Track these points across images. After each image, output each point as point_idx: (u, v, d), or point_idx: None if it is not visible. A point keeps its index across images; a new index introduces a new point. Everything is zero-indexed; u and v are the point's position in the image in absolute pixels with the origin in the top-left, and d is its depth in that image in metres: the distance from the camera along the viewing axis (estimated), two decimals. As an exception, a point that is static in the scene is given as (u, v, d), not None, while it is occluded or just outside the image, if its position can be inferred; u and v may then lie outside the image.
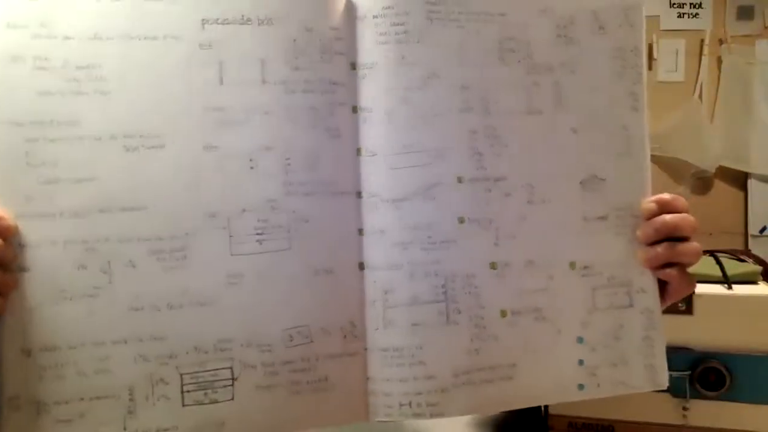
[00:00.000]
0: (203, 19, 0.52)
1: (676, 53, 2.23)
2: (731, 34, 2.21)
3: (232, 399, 0.52)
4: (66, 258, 0.49)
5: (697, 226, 0.57)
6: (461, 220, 0.55)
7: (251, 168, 0.53)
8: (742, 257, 1.04)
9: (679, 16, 2.24)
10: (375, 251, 0.55)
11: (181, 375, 0.51)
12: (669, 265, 0.58)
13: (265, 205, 0.53)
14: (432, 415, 0.54)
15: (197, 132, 0.52)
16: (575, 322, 0.57)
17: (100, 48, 0.50)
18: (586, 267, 0.58)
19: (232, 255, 0.52)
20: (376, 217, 0.55)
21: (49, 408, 0.49)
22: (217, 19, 0.53)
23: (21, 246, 0.49)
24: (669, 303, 0.60)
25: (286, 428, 0.53)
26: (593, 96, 0.59)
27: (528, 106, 0.57)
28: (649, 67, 2.21)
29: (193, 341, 0.51)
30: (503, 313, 0.56)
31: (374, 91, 0.55)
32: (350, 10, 0.56)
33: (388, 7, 0.55)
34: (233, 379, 0.52)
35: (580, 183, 0.58)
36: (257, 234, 0.53)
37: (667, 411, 0.90)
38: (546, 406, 0.94)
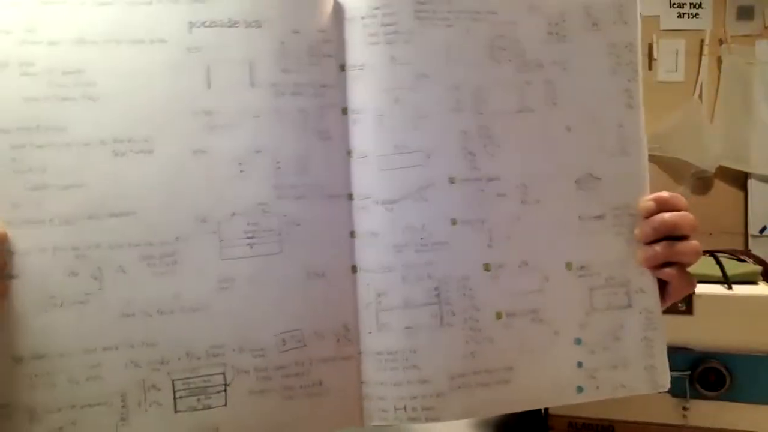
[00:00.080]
0: (190, 23, 0.52)
1: (676, 53, 2.23)
2: (731, 34, 2.21)
3: (225, 405, 0.51)
4: (55, 264, 0.49)
5: (697, 225, 0.56)
6: (454, 222, 0.55)
7: (241, 172, 0.52)
8: (742, 257, 1.04)
9: (679, 16, 2.24)
10: (367, 254, 0.54)
11: (173, 381, 0.50)
12: (668, 264, 0.57)
13: (255, 208, 0.52)
14: (428, 419, 0.53)
15: (186, 136, 0.51)
16: (573, 324, 0.56)
17: (87, 53, 0.50)
18: (582, 267, 0.57)
19: (222, 259, 0.52)
20: (368, 219, 0.54)
21: (40, 416, 0.48)
22: (205, 22, 0.52)
23: (9, 253, 0.48)
24: (669, 303, 0.59)
25: (280, 433, 0.53)
26: (587, 93, 0.58)
27: (520, 105, 0.57)
28: (649, 67, 2.22)
29: (184, 347, 0.51)
30: (498, 315, 0.55)
31: (364, 92, 0.55)
32: (338, 12, 0.55)
33: (377, 8, 0.55)
34: (226, 384, 0.51)
35: (575, 182, 0.57)
36: (248, 238, 0.52)
37: (667, 411, 0.90)
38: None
